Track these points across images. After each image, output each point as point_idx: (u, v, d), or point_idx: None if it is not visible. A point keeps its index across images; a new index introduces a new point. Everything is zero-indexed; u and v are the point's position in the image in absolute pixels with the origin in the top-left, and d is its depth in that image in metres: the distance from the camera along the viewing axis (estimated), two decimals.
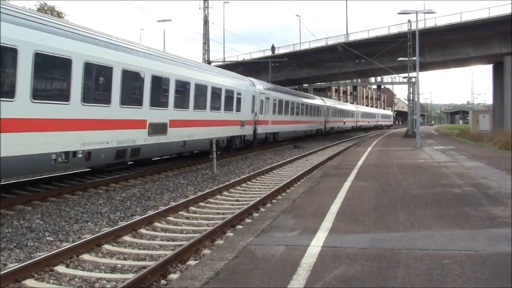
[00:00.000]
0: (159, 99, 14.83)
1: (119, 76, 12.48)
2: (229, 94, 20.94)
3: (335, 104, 54.33)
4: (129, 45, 13.73)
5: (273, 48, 50.64)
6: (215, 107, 19.35)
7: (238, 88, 22.05)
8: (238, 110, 21.99)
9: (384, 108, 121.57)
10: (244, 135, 23.27)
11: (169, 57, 16.38)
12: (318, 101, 43.99)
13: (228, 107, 20.77)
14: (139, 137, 13.52)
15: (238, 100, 21.99)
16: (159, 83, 14.82)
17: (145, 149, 13.96)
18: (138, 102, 13.62)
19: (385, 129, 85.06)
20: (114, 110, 12.39)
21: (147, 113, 13.97)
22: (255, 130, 24.92)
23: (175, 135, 15.66)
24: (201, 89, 17.85)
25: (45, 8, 42.61)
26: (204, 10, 45.87)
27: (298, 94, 38.05)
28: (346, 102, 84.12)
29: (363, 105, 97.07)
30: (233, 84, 21.56)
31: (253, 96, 24.45)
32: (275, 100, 28.95)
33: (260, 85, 26.56)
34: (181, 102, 16.29)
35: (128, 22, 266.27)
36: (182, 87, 16.45)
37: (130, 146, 13.15)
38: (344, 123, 56.52)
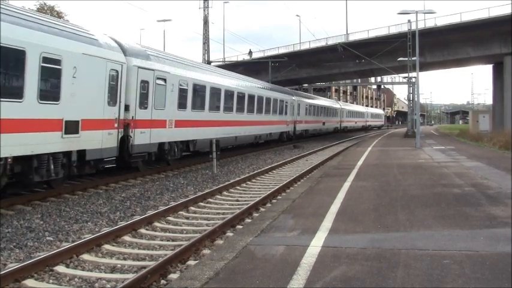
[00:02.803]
0: None
1: None
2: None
3: (309, 99, 41.33)
4: None
5: (250, 53, 50.96)
6: None
7: (44, 46, 10.15)
8: (53, 97, 10.60)
9: (383, 109, 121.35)
10: (82, 152, 11.62)
11: None
12: (279, 93, 31.37)
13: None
14: None
15: (48, 73, 10.37)
16: None
17: None
18: None
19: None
20: None
21: None
22: (126, 139, 13.51)
23: None
24: None
25: (45, 8, 42.62)
26: (204, 10, 45.97)
27: (238, 78, 24.91)
28: (346, 102, 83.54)
29: (362, 105, 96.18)
30: (23, 35, 9.60)
31: (115, 73, 12.79)
32: (184, 85, 16.80)
33: (141, 55, 14.53)
34: None
35: (127, 22, 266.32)
36: None
37: None
38: (323, 123, 44.69)
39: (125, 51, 13.69)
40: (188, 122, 17.33)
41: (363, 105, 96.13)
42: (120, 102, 13.18)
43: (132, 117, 13.81)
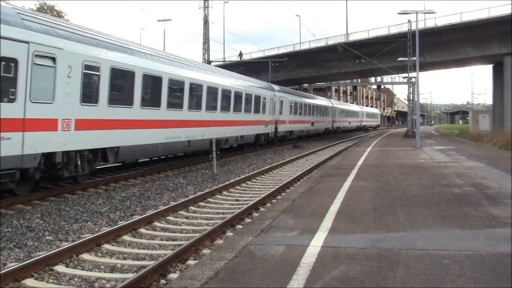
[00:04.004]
0: None
1: None
2: None
3: (295, 95, 36.07)
4: None
5: (240, 55, 51.00)
6: None
7: None
8: None
9: (383, 109, 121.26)
10: None
11: None
12: (255, 86, 25.79)
13: None
14: None
15: None
16: None
17: None
18: None
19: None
20: None
21: None
22: None
23: None
24: None
25: (45, 8, 42.62)
26: (204, 10, 45.89)
27: (195, 66, 18.84)
28: (346, 102, 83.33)
29: (362, 105, 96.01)
30: None
31: None
32: (93, 69, 11.87)
33: (3, 19, 9.18)
34: None
35: (128, 22, 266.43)
36: None
37: None
38: (312, 124, 39.72)
39: None
40: (102, 122, 12.24)
41: (362, 105, 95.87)
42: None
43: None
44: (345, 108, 59.21)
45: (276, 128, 29.22)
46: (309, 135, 40.35)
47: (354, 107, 70.26)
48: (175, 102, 16.18)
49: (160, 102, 15.12)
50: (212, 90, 19.26)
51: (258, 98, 25.42)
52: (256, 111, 25.35)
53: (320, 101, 45.87)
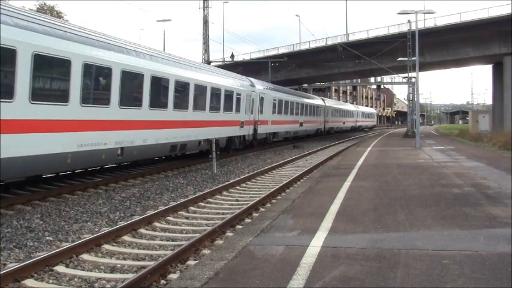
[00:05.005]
0: None
1: None
2: None
3: (279, 91, 31.47)
4: None
5: (232, 56, 50.97)
6: None
7: None
8: None
9: (383, 109, 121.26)
10: None
11: None
12: (225, 78, 21.36)
13: None
14: None
15: None
16: None
17: None
18: None
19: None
20: None
21: None
22: None
23: None
24: None
25: (45, 8, 42.62)
26: (204, 10, 45.92)
27: (134, 49, 13.68)
28: (346, 102, 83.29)
29: (362, 105, 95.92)
30: None
31: None
32: None
33: None
34: None
35: (128, 22, 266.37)
36: None
37: None
38: (301, 124, 36.15)
39: None
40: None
41: (362, 104, 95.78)
42: None
43: None
44: (338, 108, 54.94)
45: (255, 130, 24.96)
46: (296, 136, 36.34)
47: (348, 106, 66.21)
48: (98, 96, 12.03)
49: (69, 94, 10.69)
50: (162, 82, 14.99)
51: (229, 93, 20.96)
52: (228, 109, 20.85)
53: (310, 99, 41.58)
